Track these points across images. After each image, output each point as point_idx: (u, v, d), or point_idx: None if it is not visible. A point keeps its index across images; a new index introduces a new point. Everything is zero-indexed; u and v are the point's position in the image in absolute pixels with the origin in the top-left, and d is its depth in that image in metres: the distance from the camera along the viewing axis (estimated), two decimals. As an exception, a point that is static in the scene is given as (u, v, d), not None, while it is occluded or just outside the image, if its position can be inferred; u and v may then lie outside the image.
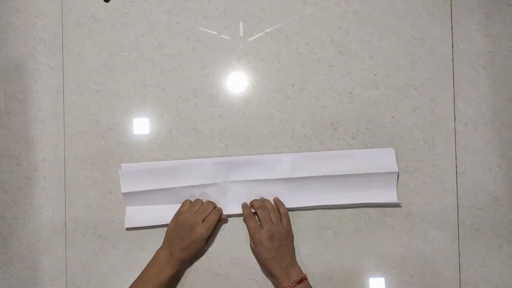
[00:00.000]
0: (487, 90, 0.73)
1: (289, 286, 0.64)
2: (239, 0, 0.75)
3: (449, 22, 0.73)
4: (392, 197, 0.71)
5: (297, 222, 0.73)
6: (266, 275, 0.71)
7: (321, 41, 0.74)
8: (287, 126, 0.74)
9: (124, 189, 0.72)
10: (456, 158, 0.73)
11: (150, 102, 0.75)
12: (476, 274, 0.71)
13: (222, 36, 0.75)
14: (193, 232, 0.68)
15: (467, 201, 0.72)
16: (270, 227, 0.68)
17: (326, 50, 0.74)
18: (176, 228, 0.69)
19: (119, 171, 0.73)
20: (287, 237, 0.68)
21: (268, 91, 0.75)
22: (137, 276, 0.67)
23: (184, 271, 0.73)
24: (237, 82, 0.75)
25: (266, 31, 0.75)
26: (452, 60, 0.73)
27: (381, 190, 0.71)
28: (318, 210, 0.73)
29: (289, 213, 0.71)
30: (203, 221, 0.69)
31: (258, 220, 0.70)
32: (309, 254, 0.72)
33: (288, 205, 0.71)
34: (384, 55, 0.74)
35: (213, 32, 0.75)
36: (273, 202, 0.72)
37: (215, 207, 0.72)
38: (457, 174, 0.72)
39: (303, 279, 0.66)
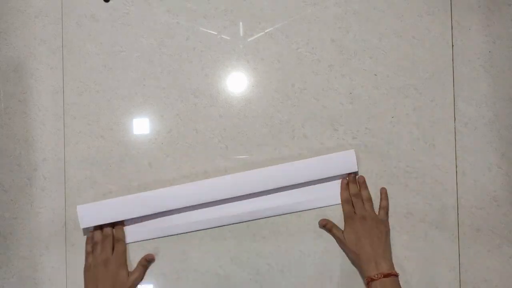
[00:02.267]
0: (487, 90, 0.73)
1: (375, 277, 0.63)
2: (239, 0, 0.75)
3: (449, 22, 0.73)
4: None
5: (297, 222, 0.73)
6: (355, 265, 0.70)
7: (321, 41, 0.74)
8: (287, 126, 0.74)
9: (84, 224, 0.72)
10: (456, 158, 0.73)
11: (150, 102, 0.75)
12: (476, 274, 0.71)
13: (222, 36, 0.75)
14: (108, 268, 0.68)
15: (467, 201, 0.72)
16: (363, 213, 0.69)
17: (326, 50, 0.74)
18: (92, 278, 0.68)
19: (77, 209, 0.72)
20: (380, 226, 0.68)
21: (268, 91, 0.75)
22: None
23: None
24: (237, 82, 0.75)
25: (266, 31, 0.75)
26: (452, 60, 0.73)
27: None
28: (318, 210, 0.73)
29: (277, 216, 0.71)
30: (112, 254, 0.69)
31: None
32: (309, 254, 0.72)
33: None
34: (384, 55, 0.74)
35: (213, 32, 0.75)
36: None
37: (113, 238, 0.71)
38: (457, 174, 0.72)
39: (392, 275, 0.63)
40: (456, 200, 0.72)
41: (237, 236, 0.73)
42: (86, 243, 0.72)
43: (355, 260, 0.68)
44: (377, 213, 0.71)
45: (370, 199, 0.71)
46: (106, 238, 0.71)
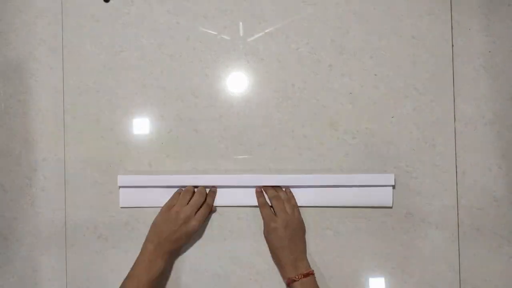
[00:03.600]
0: (487, 90, 0.73)
1: (296, 278, 0.65)
2: (239, 0, 0.75)
3: (449, 22, 0.73)
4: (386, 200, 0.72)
5: (297, 222, 0.73)
6: (275, 263, 0.71)
7: (321, 41, 0.74)
8: (287, 126, 0.74)
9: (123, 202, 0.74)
10: (456, 158, 0.73)
11: (150, 102, 0.75)
12: (476, 274, 0.71)
13: (222, 36, 0.75)
14: (186, 226, 0.69)
15: (467, 201, 0.72)
16: (285, 217, 0.69)
17: (326, 50, 0.74)
18: (167, 221, 0.69)
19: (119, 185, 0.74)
20: (300, 228, 0.70)
21: (268, 91, 0.75)
22: (129, 271, 0.67)
23: (173, 264, 0.73)
24: (237, 82, 0.75)
25: (266, 31, 0.75)
26: (452, 60, 0.73)
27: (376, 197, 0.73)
28: (318, 210, 0.73)
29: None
30: (195, 215, 0.70)
31: (272, 209, 0.71)
32: (309, 254, 0.72)
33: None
34: (384, 55, 0.74)
35: (213, 32, 0.75)
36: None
37: (205, 197, 0.72)
38: (457, 174, 0.72)
39: (310, 274, 0.66)
40: (456, 200, 0.72)
41: (237, 236, 0.73)
42: (173, 197, 0.73)
43: (276, 260, 0.70)
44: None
45: (290, 200, 0.71)
46: (198, 202, 0.71)
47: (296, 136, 0.74)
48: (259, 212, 0.72)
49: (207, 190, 0.74)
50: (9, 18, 0.77)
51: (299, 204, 0.72)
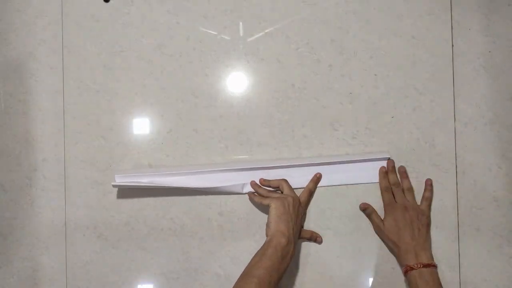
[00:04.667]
0: (487, 90, 0.73)
1: (414, 266, 0.63)
2: (239, 0, 0.75)
3: (449, 22, 0.73)
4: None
5: (297, 222, 0.73)
6: (392, 251, 0.69)
7: (321, 41, 0.74)
8: (287, 126, 0.74)
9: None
10: (456, 158, 0.73)
11: (150, 102, 0.75)
12: (476, 274, 0.71)
13: (222, 36, 0.75)
14: (300, 206, 0.68)
15: (467, 201, 0.72)
16: (405, 201, 0.69)
17: (326, 50, 0.74)
18: (284, 212, 0.64)
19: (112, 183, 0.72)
20: (423, 216, 0.68)
21: (268, 91, 0.75)
22: (248, 266, 0.61)
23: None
24: (237, 82, 0.75)
25: (266, 31, 0.75)
26: (452, 60, 0.73)
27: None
28: (318, 210, 0.73)
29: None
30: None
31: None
32: (309, 254, 0.72)
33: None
34: (384, 55, 0.74)
35: (213, 32, 0.75)
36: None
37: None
38: (457, 174, 0.72)
39: (431, 265, 0.63)
40: (456, 200, 0.72)
41: (237, 236, 0.73)
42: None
43: (394, 248, 0.68)
44: (418, 203, 0.71)
45: (411, 189, 0.71)
46: (286, 185, 0.70)
47: (296, 136, 0.74)
48: (259, 212, 0.72)
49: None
50: (9, 18, 0.77)
51: (297, 186, 0.72)
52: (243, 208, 0.74)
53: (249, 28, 0.75)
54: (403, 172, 0.71)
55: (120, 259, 0.74)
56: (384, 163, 0.72)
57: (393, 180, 0.71)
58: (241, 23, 0.75)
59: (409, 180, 0.71)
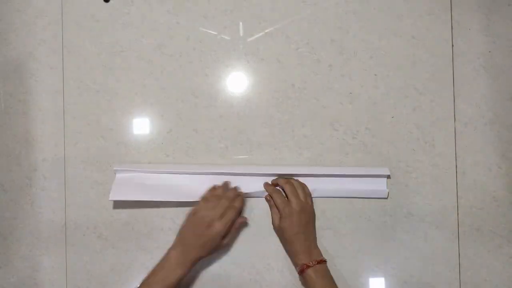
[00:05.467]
0: (487, 90, 0.73)
1: (310, 263, 0.65)
2: (239, 0, 0.75)
3: (449, 22, 0.73)
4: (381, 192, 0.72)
5: (297, 222, 0.73)
6: (288, 252, 0.70)
7: (321, 41, 0.74)
8: (287, 126, 0.74)
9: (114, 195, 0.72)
10: (456, 158, 0.73)
11: (150, 102, 0.75)
12: (476, 274, 0.71)
13: (222, 36, 0.75)
14: (209, 229, 0.65)
15: (467, 201, 0.72)
16: (300, 202, 0.68)
17: (326, 50, 0.74)
18: (191, 226, 0.67)
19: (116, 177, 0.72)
20: (313, 216, 0.71)
21: (268, 91, 0.75)
22: (144, 278, 0.65)
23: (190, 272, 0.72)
24: (237, 82, 0.75)
25: (266, 31, 0.75)
26: (452, 60, 0.73)
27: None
28: (318, 210, 0.72)
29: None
30: (221, 218, 0.66)
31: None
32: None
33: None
34: (384, 55, 0.74)
35: (213, 32, 0.75)
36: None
37: (234, 199, 0.69)
38: (457, 174, 0.72)
39: (323, 261, 0.67)
40: (456, 200, 0.72)
41: (236, 236, 0.73)
42: (209, 190, 0.71)
43: (289, 248, 0.69)
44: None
45: (303, 187, 0.71)
46: (227, 203, 0.68)
47: (296, 136, 0.74)
48: (259, 213, 0.73)
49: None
50: (9, 18, 0.77)
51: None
52: (243, 208, 0.73)
53: (249, 28, 0.75)
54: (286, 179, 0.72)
55: (120, 259, 0.74)
56: (383, 181, 0.72)
57: (283, 181, 0.71)
58: (241, 23, 0.75)
59: (296, 180, 0.71)
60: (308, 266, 0.65)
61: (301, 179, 0.72)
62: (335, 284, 0.65)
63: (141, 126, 0.75)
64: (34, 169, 0.76)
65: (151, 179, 0.72)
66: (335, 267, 0.72)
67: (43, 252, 0.75)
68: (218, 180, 0.72)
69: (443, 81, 0.73)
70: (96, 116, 0.76)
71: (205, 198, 0.69)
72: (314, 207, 0.72)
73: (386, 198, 0.72)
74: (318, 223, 0.73)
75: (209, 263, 0.73)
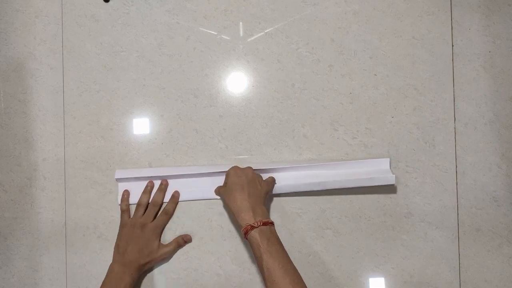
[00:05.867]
0: (487, 90, 0.73)
1: (255, 224, 0.60)
2: (239, 0, 0.75)
3: (449, 22, 0.73)
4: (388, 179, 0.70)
5: (297, 222, 0.73)
6: (231, 213, 0.65)
7: (321, 41, 0.74)
8: (287, 126, 0.74)
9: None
10: (456, 158, 0.73)
11: (150, 102, 0.75)
12: (476, 274, 0.71)
13: (222, 36, 0.75)
14: (144, 231, 0.69)
15: (467, 201, 0.72)
16: (239, 169, 0.68)
17: (326, 50, 0.74)
18: (124, 237, 0.70)
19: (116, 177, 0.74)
20: (262, 182, 0.67)
21: (268, 91, 0.75)
22: None
23: (142, 280, 0.73)
24: (237, 82, 0.75)
25: (266, 31, 0.75)
26: (452, 60, 0.73)
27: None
28: (318, 210, 0.73)
29: (289, 213, 0.71)
30: (151, 224, 0.70)
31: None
32: (309, 254, 0.72)
33: (282, 189, 0.72)
34: (384, 55, 0.74)
35: (213, 32, 0.75)
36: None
37: (159, 208, 0.72)
38: (457, 174, 0.72)
39: (269, 223, 0.61)
40: (456, 200, 0.72)
41: (237, 236, 0.73)
42: (122, 201, 0.73)
43: (231, 207, 0.64)
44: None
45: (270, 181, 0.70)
46: (154, 206, 0.72)
47: (296, 136, 0.74)
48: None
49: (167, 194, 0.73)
50: (9, 18, 0.77)
51: (303, 190, 0.71)
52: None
53: (249, 28, 0.75)
54: None
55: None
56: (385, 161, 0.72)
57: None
58: (241, 23, 0.75)
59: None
60: (252, 227, 0.60)
61: (303, 171, 0.71)
62: (284, 250, 0.60)
63: (141, 126, 0.75)
64: (34, 169, 0.76)
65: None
66: (335, 267, 0.72)
67: (43, 252, 0.75)
68: (218, 180, 0.72)
69: (443, 81, 0.73)
70: (96, 116, 0.76)
71: (137, 206, 0.72)
72: (315, 206, 0.72)
73: (394, 185, 0.71)
74: (318, 223, 0.73)
75: (209, 263, 0.73)
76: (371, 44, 0.74)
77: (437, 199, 0.72)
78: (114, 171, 0.74)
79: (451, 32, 0.73)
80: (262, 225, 0.60)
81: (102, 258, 0.74)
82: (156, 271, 0.73)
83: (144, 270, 0.71)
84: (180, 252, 0.73)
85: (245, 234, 0.60)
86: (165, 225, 0.73)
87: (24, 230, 0.76)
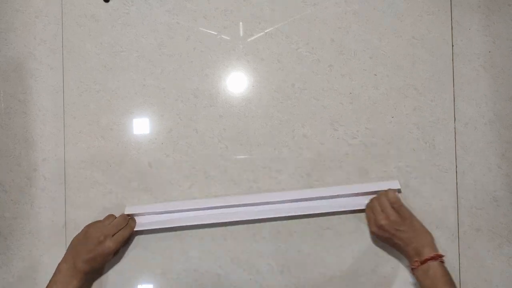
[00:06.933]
0: (487, 90, 0.73)
1: (415, 265, 0.63)
2: (239, 0, 0.75)
3: (449, 22, 0.73)
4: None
5: (297, 222, 0.73)
6: (400, 246, 0.66)
7: (321, 41, 0.74)
8: (287, 126, 0.74)
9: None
10: (456, 158, 0.73)
11: (150, 102, 0.75)
12: (476, 274, 0.71)
13: (222, 36, 0.75)
14: (101, 245, 0.68)
15: (467, 201, 0.72)
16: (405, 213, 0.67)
17: (326, 50, 0.74)
18: (83, 240, 0.69)
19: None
20: (401, 222, 0.66)
21: (268, 91, 0.75)
22: None
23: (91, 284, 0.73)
24: (237, 82, 0.75)
25: (266, 31, 0.75)
26: (452, 60, 0.73)
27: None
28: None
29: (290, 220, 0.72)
30: (113, 235, 0.69)
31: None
32: (309, 254, 0.72)
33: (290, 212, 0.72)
34: (384, 55, 0.74)
35: (213, 32, 0.75)
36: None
37: (128, 222, 0.71)
38: (457, 174, 0.72)
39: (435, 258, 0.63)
40: (456, 200, 0.72)
41: (237, 236, 0.73)
42: (128, 215, 0.72)
43: (408, 240, 0.66)
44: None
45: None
46: (119, 224, 0.70)
47: (296, 136, 0.74)
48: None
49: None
50: (9, 18, 0.77)
51: (305, 212, 0.71)
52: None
53: (249, 28, 0.75)
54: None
55: (120, 259, 0.74)
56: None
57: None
58: (241, 23, 0.75)
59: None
60: (438, 257, 0.63)
61: (308, 204, 0.72)
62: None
63: (141, 126, 0.75)
64: (34, 169, 0.76)
65: (162, 217, 0.74)
66: (335, 267, 0.72)
67: (43, 252, 0.75)
68: (226, 216, 0.73)
69: (443, 81, 0.73)
70: (96, 116, 0.76)
71: (105, 217, 0.71)
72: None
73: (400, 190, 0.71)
74: (318, 223, 0.73)
75: (209, 263, 0.73)
76: (371, 44, 0.74)
77: (437, 199, 0.72)
78: (114, 171, 0.74)
79: (451, 32, 0.73)
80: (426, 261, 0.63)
81: (102, 258, 0.74)
82: (156, 271, 0.73)
83: (96, 275, 0.71)
84: (180, 252, 0.73)
85: (423, 262, 0.63)
86: (126, 241, 0.71)
87: (24, 230, 0.76)
